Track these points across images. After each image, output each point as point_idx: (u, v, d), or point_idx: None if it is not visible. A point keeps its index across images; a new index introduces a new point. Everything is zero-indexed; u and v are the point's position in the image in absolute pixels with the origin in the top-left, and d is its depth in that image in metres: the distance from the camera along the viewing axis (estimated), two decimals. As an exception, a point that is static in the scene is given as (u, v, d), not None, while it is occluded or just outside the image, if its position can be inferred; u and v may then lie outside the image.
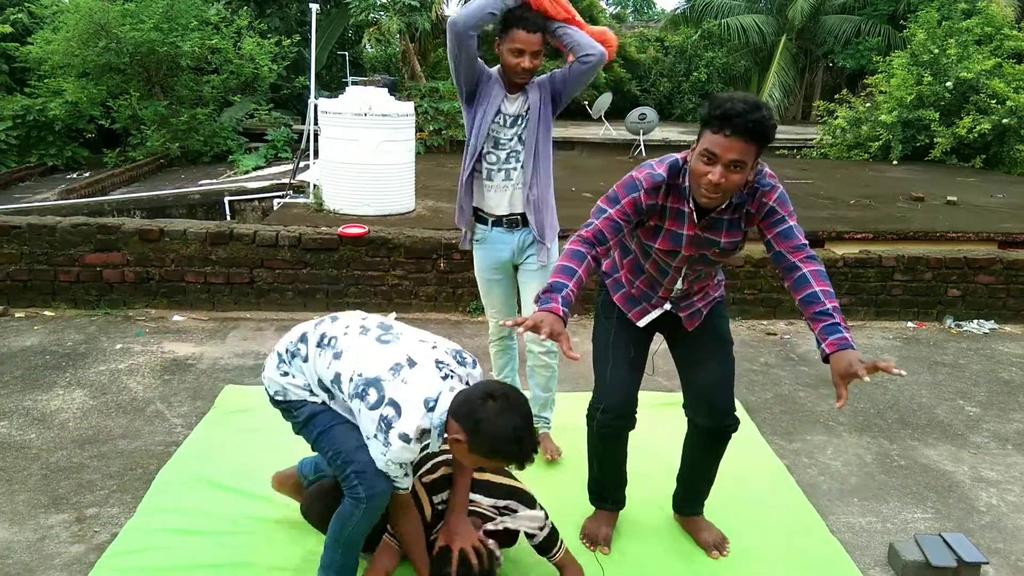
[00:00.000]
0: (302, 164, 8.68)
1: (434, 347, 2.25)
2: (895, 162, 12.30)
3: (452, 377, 2.16)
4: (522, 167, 3.12)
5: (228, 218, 8.75)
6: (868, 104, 13.25)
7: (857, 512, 3.16)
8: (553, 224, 3.23)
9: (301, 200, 7.71)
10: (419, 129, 7.94)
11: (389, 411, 2.06)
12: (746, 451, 3.50)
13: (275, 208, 7.74)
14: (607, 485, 2.87)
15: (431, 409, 2.08)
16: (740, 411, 3.86)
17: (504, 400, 2.05)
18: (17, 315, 4.90)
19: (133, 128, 11.97)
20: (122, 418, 3.64)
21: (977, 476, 3.49)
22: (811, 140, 14.00)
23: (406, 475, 2.17)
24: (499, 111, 3.09)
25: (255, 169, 10.98)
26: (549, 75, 3.14)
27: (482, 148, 3.11)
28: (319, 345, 2.29)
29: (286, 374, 2.34)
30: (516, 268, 3.31)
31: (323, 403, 2.31)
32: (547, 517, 2.49)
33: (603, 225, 2.34)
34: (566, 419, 3.42)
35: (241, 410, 3.69)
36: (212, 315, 5.08)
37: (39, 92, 11.62)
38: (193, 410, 3.74)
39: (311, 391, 2.31)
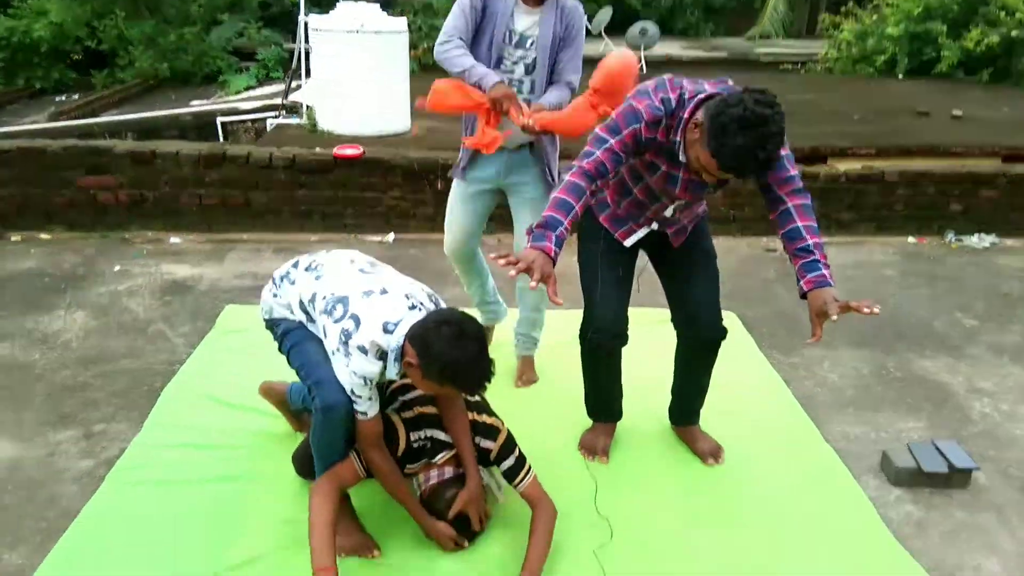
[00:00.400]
0: (294, 84, 8.51)
1: (411, 284, 2.29)
2: (900, 76, 12.05)
3: (419, 309, 2.17)
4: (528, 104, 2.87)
5: (221, 140, 8.62)
6: (875, 17, 12.90)
7: (852, 422, 3.23)
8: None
9: (294, 121, 7.59)
10: (413, 47, 7.75)
11: (350, 324, 2.10)
12: (743, 365, 3.55)
13: (268, 129, 7.63)
14: (603, 400, 2.93)
15: (389, 332, 2.10)
16: (738, 326, 3.93)
17: (458, 327, 2.05)
18: (13, 239, 4.89)
19: (121, 49, 11.68)
20: (124, 338, 3.68)
21: (972, 387, 3.54)
22: (816, 54, 13.67)
23: (370, 398, 2.17)
24: (509, 28, 2.87)
25: (246, 89, 10.76)
26: (566, 21, 2.90)
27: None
28: (307, 269, 2.36)
29: (276, 296, 2.43)
30: (501, 192, 3.19)
31: (300, 323, 2.37)
32: (509, 446, 2.43)
33: (604, 157, 2.26)
34: (560, 336, 3.45)
35: (242, 329, 3.73)
36: (209, 237, 5.07)
37: (22, 13, 11.30)
38: (195, 330, 3.78)
39: (291, 311, 2.38)
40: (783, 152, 2.26)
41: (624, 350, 2.77)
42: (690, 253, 2.69)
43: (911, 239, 5.56)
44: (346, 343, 2.10)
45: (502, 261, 2.08)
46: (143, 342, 3.65)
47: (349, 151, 5.07)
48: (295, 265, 2.41)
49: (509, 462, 2.40)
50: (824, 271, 2.23)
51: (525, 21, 2.88)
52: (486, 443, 2.40)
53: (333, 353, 2.16)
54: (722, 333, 2.73)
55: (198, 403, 3.12)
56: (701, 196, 2.50)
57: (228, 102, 9.80)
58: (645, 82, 2.30)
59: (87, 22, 11.57)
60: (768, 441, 3.03)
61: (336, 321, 2.14)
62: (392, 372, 2.15)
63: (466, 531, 2.38)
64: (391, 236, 5.17)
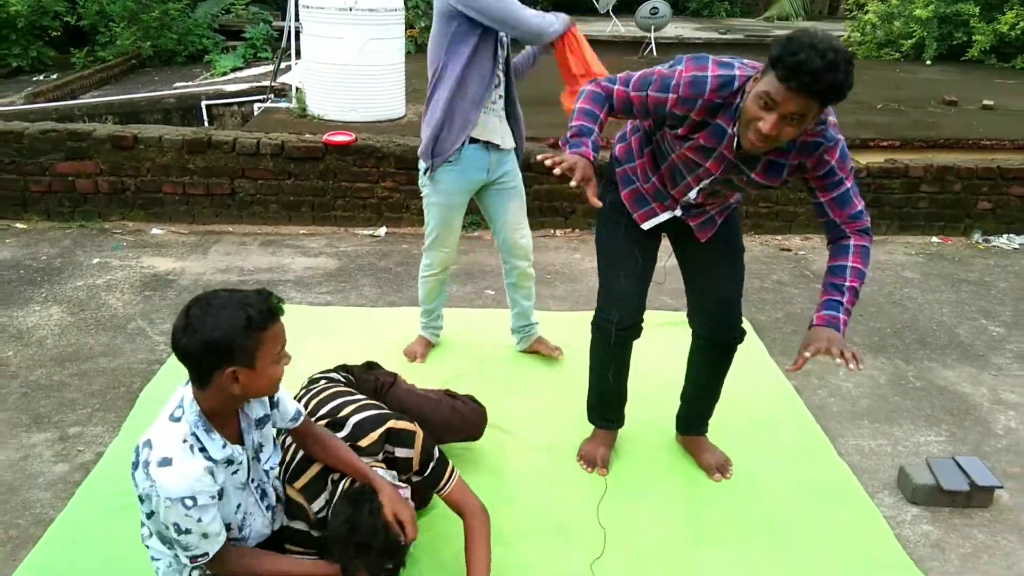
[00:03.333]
0: (283, 65, 8.50)
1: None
2: (928, 62, 12.02)
3: (173, 403, 1.94)
4: (506, 91, 3.20)
5: (206, 124, 8.63)
6: (902, -3, 12.87)
7: (867, 435, 3.24)
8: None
9: (283, 104, 7.59)
10: (409, 26, 7.73)
11: (145, 452, 1.85)
12: (753, 372, 3.56)
13: (256, 113, 7.64)
14: (606, 402, 2.92)
15: (178, 419, 1.88)
16: (748, 331, 3.92)
17: (205, 302, 1.85)
18: (-14, 228, 4.91)
19: (101, 25, 11.67)
20: (102, 335, 3.70)
21: (996, 399, 3.55)
22: (838, 38, 13.67)
23: (204, 535, 1.86)
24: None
25: (233, 70, 10.76)
26: None
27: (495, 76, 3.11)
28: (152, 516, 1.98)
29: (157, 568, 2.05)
30: (480, 191, 3.32)
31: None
32: (429, 449, 2.31)
33: (619, 95, 2.31)
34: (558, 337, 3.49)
35: (226, 328, 3.74)
36: (192, 228, 5.08)
37: (-3, -15, 11.31)
38: (176, 328, 3.79)
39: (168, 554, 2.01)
40: (849, 184, 2.27)
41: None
42: (717, 247, 2.66)
43: (935, 239, 5.56)
44: (147, 472, 1.82)
45: (549, 160, 2.15)
46: (122, 340, 3.66)
47: (340, 137, 5.08)
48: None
49: (431, 466, 2.28)
50: (842, 317, 2.26)
51: None
52: (403, 452, 2.27)
53: (152, 506, 1.86)
54: (739, 335, 2.74)
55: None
56: (732, 181, 2.41)
57: (213, 84, 9.80)
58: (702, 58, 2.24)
59: (67, -4, 11.57)
60: (778, 454, 3.04)
61: (136, 467, 1.87)
62: (216, 450, 1.89)
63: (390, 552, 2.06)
64: (383, 230, 5.18)
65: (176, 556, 1.96)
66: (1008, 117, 8.07)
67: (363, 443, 2.25)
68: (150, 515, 1.94)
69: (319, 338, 3.63)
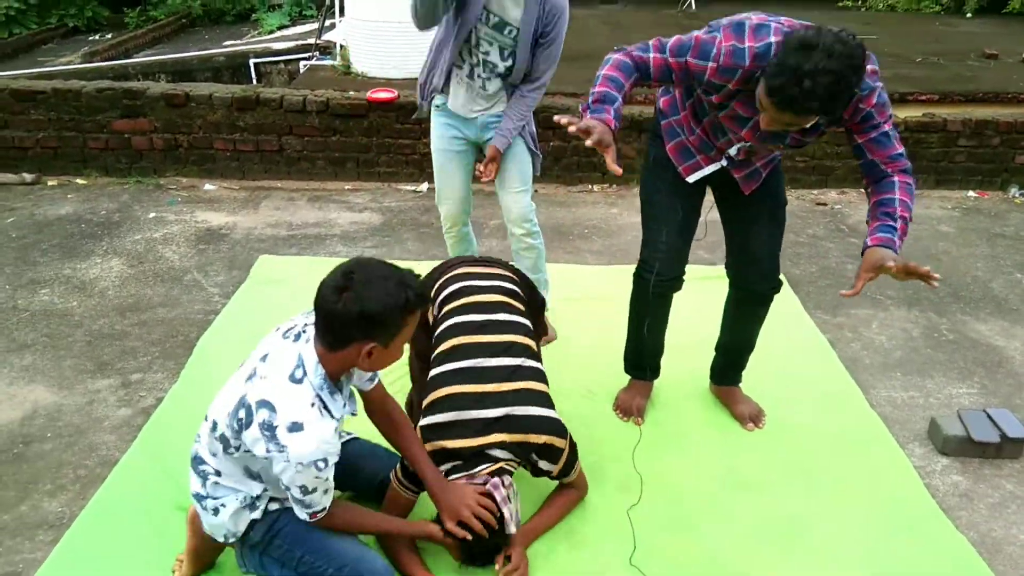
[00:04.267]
0: (328, 23, 8.45)
1: (278, 328, 1.98)
2: (969, 15, 11.56)
3: (304, 333, 1.88)
4: (501, 88, 2.95)
5: (254, 81, 8.64)
6: (944, -52, 12.35)
7: (899, 387, 3.19)
8: (532, 128, 3.10)
9: (328, 62, 7.56)
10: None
11: (264, 414, 1.77)
12: (787, 325, 3.51)
13: (302, 71, 7.62)
14: (646, 350, 2.89)
15: (300, 380, 1.81)
16: (784, 284, 3.86)
17: (368, 270, 1.79)
18: (50, 183, 4.98)
19: (153, -15, 11.73)
20: (160, 287, 3.75)
21: (1029, 352, 3.47)
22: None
23: (327, 488, 1.88)
24: (487, 9, 2.77)
25: (280, 28, 10.75)
26: (550, 15, 2.78)
27: (456, 45, 2.87)
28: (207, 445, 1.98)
29: (216, 511, 1.99)
30: (479, 148, 3.14)
31: (267, 507, 2.00)
32: (571, 462, 2.27)
33: (656, 63, 2.21)
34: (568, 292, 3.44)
35: (277, 280, 3.78)
36: (243, 184, 5.11)
37: (53, -53, 11.35)
38: (229, 279, 3.84)
39: (238, 480, 1.97)
40: (887, 127, 2.16)
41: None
42: (760, 200, 2.59)
43: (971, 193, 5.39)
44: (274, 436, 1.76)
45: (565, 120, 2.05)
46: (179, 291, 3.72)
47: (383, 95, 5.04)
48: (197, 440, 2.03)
49: (565, 473, 2.28)
50: (898, 240, 2.14)
51: (507, 5, 2.78)
52: (546, 465, 2.22)
53: (272, 463, 1.79)
54: (777, 286, 2.69)
55: (233, 354, 3.17)
56: (770, 148, 2.38)
57: (261, 42, 9.79)
58: (748, 18, 2.14)
59: (119, -43, 11.60)
60: (811, 406, 3.01)
61: (247, 427, 1.79)
62: (338, 411, 1.87)
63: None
64: (424, 185, 5.16)
65: (246, 496, 1.96)
66: (1050, 70, 7.75)
67: (511, 438, 2.12)
68: (245, 465, 1.90)
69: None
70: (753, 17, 2.13)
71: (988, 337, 3.58)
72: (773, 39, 2.07)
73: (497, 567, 2.14)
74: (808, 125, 2.07)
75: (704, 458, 2.73)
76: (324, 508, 1.92)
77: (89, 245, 4.16)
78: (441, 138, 3.13)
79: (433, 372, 2.22)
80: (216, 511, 1.99)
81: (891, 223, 2.15)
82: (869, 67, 2.09)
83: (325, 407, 1.83)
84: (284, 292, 3.65)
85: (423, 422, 2.14)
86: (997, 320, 3.73)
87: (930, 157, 5.34)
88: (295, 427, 1.76)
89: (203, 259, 4.06)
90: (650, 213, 2.66)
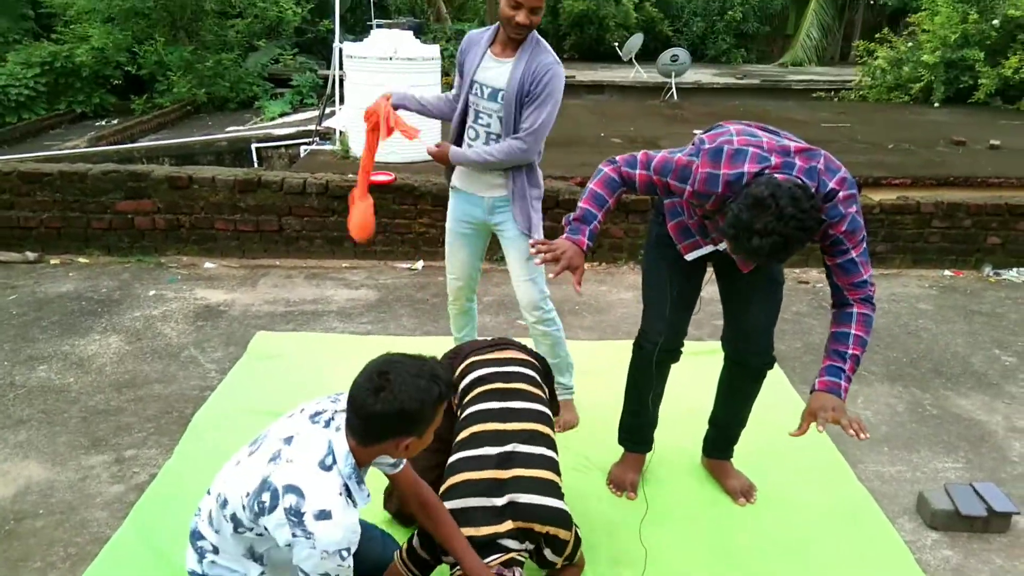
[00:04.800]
0: (328, 110, 8.64)
1: (302, 409, 1.95)
2: (937, 104, 11.93)
3: (333, 420, 1.88)
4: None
5: (256, 165, 8.78)
6: (910, 43, 12.81)
7: (887, 461, 3.17)
8: (537, 217, 3.05)
9: (328, 147, 7.70)
10: (445, 73, 7.81)
11: (291, 499, 1.74)
12: (775, 400, 3.49)
13: (302, 155, 7.75)
14: (639, 424, 2.89)
15: (329, 467, 1.79)
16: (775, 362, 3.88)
17: (399, 368, 1.79)
18: (52, 262, 5.00)
19: (159, 74, 11.98)
20: (157, 363, 3.73)
21: (1011, 426, 3.46)
22: (849, 82, 13.59)
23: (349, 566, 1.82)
24: (474, 81, 2.92)
25: (281, 115, 10.96)
26: (535, 75, 2.81)
27: (464, 118, 3.00)
28: (206, 519, 1.97)
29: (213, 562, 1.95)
30: (491, 232, 3.19)
31: None
32: (576, 549, 2.24)
33: (641, 179, 2.34)
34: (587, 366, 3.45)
35: (273, 355, 3.77)
36: (242, 262, 5.14)
37: (65, 38, 11.63)
38: (226, 355, 3.82)
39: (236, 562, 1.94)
40: (855, 254, 2.21)
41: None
42: (758, 277, 2.62)
43: (947, 272, 5.47)
44: (301, 522, 1.72)
45: (533, 250, 2.15)
46: (175, 367, 3.70)
47: (381, 177, 5.13)
48: (197, 515, 2.00)
49: (569, 560, 2.25)
50: (843, 384, 2.24)
51: (494, 72, 2.89)
52: (551, 556, 2.18)
53: (294, 548, 1.75)
54: (770, 362, 2.71)
55: (229, 429, 3.14)
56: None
57: (263, 128, 9.98)
58: (733, 139, 2.20)
59: (128, 47, 11.89)
60: (801, 480, 2.98)
61: (272, 511, 1.75)
62: (362, 502, 1.84)
63: None
64: (420, 263, 5.20)
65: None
66: (1015, 156, 7.96)
67: (514, 525, 2.09)
68: (241, 536, 1.85)
69: (362, 365, 3.63)
70: (735, 139, 2.20)
71: (970, 412, 3.58)
72: (747, 168, 2.14)
73: None
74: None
75: (698, 534, 2.68)
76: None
77: (88, 322, 4.15)
78: (452, 219, 3.21)
79: (452, 459, 2.24)
80: None
81: (840, 364, 2.26)
82: (843, 193, 2.16)
83: (350, 496, 1.81)
84: (280, 367, 3.63)
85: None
86: (978, 395, 3.74)
87: (906, 238, 5.44)
88: (323, 515, 1.73)
89: (201, 336, 4.05)
90: (651, 286, 2.71)
